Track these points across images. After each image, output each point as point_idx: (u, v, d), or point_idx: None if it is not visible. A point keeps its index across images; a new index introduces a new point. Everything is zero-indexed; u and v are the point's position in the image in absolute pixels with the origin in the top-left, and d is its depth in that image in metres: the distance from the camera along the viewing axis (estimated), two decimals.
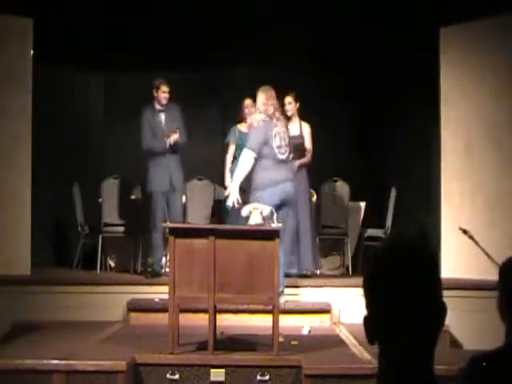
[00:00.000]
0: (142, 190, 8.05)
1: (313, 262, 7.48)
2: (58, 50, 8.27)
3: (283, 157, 6.48)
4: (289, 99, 7.49)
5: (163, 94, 7.40)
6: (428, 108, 8.09)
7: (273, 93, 6.47)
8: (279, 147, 6.44)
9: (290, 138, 6.65)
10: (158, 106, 7.47)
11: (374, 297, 1.48)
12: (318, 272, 7.75)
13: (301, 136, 7.48)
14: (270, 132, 6.42)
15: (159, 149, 7.33)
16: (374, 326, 1.48)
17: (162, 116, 7.48)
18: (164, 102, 7.43)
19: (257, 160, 6.35)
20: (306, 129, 7.56)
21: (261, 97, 6.46)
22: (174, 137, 7.28)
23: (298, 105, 7.53)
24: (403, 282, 1.44)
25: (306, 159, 7.50)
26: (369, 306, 1.49)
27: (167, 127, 7.38)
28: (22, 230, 7.31)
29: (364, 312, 1.51)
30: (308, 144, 7.53)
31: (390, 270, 1.46)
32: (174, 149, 7.34)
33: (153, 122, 7.43)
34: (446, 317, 1.49)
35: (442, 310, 1.48)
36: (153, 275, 7.19)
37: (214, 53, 8.72)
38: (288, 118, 7.32)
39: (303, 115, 7.63)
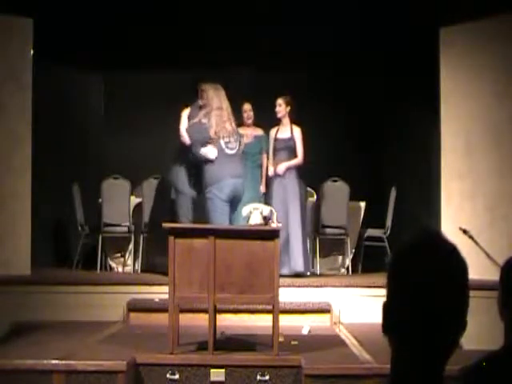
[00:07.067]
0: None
1: (304, 264, 7.41)
2: (57, 50, 8.27)
3: (232, 152, 6.75)
4: (279, 101, 7.60)
5: None
6: (428, 108, 8.08)
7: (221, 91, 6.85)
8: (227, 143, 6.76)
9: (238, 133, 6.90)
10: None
11: (396, 288, 1.42)
12: (308, 273, 7.61)
13: (292, 139, 7.58)
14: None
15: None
16: (390, 315, 1.43)
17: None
18: None
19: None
20: (298, 132, 7.63)
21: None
22: None
23: (288, 108, 7.58)
24: (430, 282, 1.39)
25: (295, 162, 7.57)
26: (389, 295, 1.44)
27: None
28: (22, 230, 7.30)
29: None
30: (299, 148, 7.61)
31: (419, 267, 1.40)
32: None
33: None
34: (463, 333, 1.43)
35: (462, 324, 1.43)
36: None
37: (214, 53, 8.72)
38: (278, 120, 7.64)
39: (301, 118, 7.64)
